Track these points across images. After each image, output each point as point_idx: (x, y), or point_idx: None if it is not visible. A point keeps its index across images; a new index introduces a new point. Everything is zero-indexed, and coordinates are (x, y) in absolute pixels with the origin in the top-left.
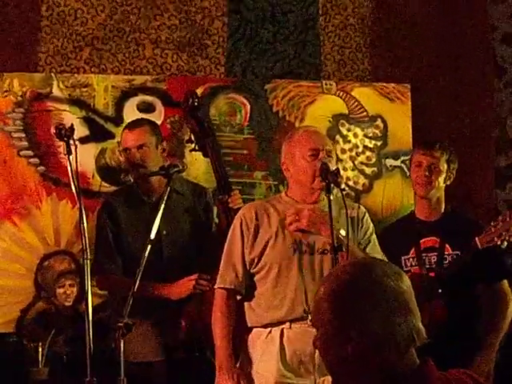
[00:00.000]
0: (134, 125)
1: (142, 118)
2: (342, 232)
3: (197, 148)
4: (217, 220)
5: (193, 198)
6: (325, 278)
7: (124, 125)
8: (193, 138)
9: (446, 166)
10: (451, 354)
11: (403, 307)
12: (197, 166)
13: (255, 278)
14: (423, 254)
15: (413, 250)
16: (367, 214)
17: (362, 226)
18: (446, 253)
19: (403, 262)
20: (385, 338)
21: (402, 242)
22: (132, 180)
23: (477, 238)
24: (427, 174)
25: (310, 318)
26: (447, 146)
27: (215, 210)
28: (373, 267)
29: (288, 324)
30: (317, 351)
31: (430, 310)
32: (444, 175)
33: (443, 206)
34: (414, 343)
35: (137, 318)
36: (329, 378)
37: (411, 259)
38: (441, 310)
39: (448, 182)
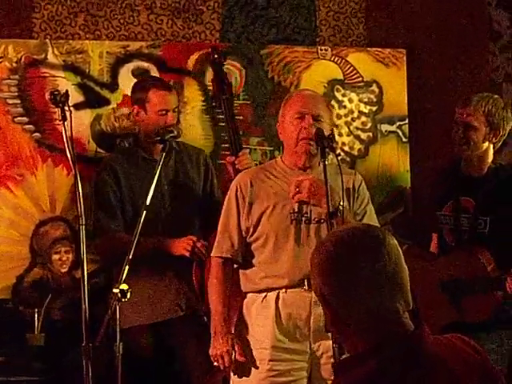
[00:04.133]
0: (169, 86)
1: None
2: (343, 203)
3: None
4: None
5: (190, 162)
6: (314, 249)
7: (119, 91)
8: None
9: (483, 121)
10: None
11: (388, 278)
12: (192, 132)
13: (252, 247)
14: (462, 215)
15: (450, 204)
16: (363, 183)
17: (358, 196)
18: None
19: (439, 217)
20: (375, 309)
21: (441, 195)
22: (127, 145)
23: None
24: (461, 133)
25: (306, 284)
26: (488, 99)
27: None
28: (356, 239)
29: (284, 289)
30: (312, 316)
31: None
32: (482, 132)
33: (486, 166)
34: (408, 307)
35: (132, 283)
36: (324, 343)
37: (448, 217)
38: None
39: (494, 140)
